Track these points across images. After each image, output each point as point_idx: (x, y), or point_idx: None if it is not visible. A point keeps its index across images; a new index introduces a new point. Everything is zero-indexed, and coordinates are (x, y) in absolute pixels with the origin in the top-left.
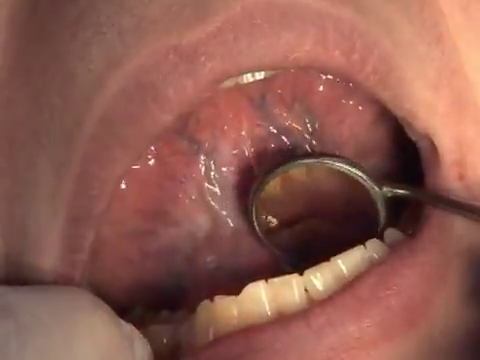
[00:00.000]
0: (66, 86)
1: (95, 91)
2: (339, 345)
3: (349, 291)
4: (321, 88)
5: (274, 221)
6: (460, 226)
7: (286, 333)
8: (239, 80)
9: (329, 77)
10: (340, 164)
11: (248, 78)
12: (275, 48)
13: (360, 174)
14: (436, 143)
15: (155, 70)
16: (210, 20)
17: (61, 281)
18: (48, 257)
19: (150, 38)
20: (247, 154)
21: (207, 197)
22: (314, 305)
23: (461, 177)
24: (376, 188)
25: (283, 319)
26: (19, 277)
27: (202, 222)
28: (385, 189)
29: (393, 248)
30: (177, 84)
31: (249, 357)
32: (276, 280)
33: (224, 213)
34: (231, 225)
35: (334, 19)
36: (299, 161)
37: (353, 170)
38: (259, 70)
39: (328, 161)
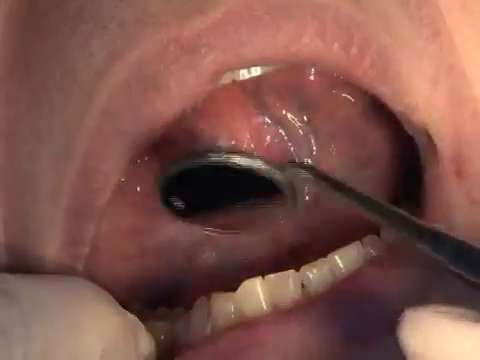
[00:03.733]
0: (66, 80)
1: (96, 84)
2: (339, 338)
3: (348, 286)
4: (312, 78)
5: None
6: (459, 222)
7: (287, 327)
8: (235, 77)
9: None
10: (238, 158)
11: (244, 75)
12: (275, 40)
13: (259, 163)
14: (434, 138)
15: (156, 61)
16: (210, 12)
17: (64, 273)
18: (50, 250)
19: (151, 30)
20: (245, 145)
21: None
22: (314, 299)
23: (459, 172)
24: (278, 171)
25: (284, 313)
26: (22, 269)
27: None
28: (288, 171)
29: (390, 243)
30: (179, 76)
31: (251, 351)
32: (273, 276)
33: None
34: None
35: (333, 11)
36: (197, 160)
37: (250, 160)
38: (260, 64)
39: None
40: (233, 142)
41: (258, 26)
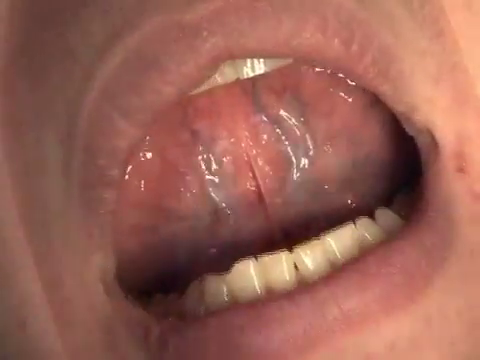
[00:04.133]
0: (66, 62)
1: (96, 63)
2: (342, 319)
3: (354, 266)
4: (309, 78)
5: None
6: (461, 217)
7: (293, 305)
8: (239, 75)
9: (317, 69)
10: None
11: (248, 73)
12: (277, 32)
13: None
14: (436, 137)
15: (157, 42)
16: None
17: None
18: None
19: (152, 14)
20: (243, 143)
21: (208, 188)
22: (319, 279)
23: (461, 168)
24: None
25: (289, 292)
26: None
27: (203, 214)
28: None
29: (390, 231)
30: (179, 57)
31: (254, 328)
32: (266, 257)
33: (224, 204)
34: (232, 216)
35: (335, 7)
36: None
37: None
38: (261, 56)
39: None
40: (232, 140)
41: (260, 17)
